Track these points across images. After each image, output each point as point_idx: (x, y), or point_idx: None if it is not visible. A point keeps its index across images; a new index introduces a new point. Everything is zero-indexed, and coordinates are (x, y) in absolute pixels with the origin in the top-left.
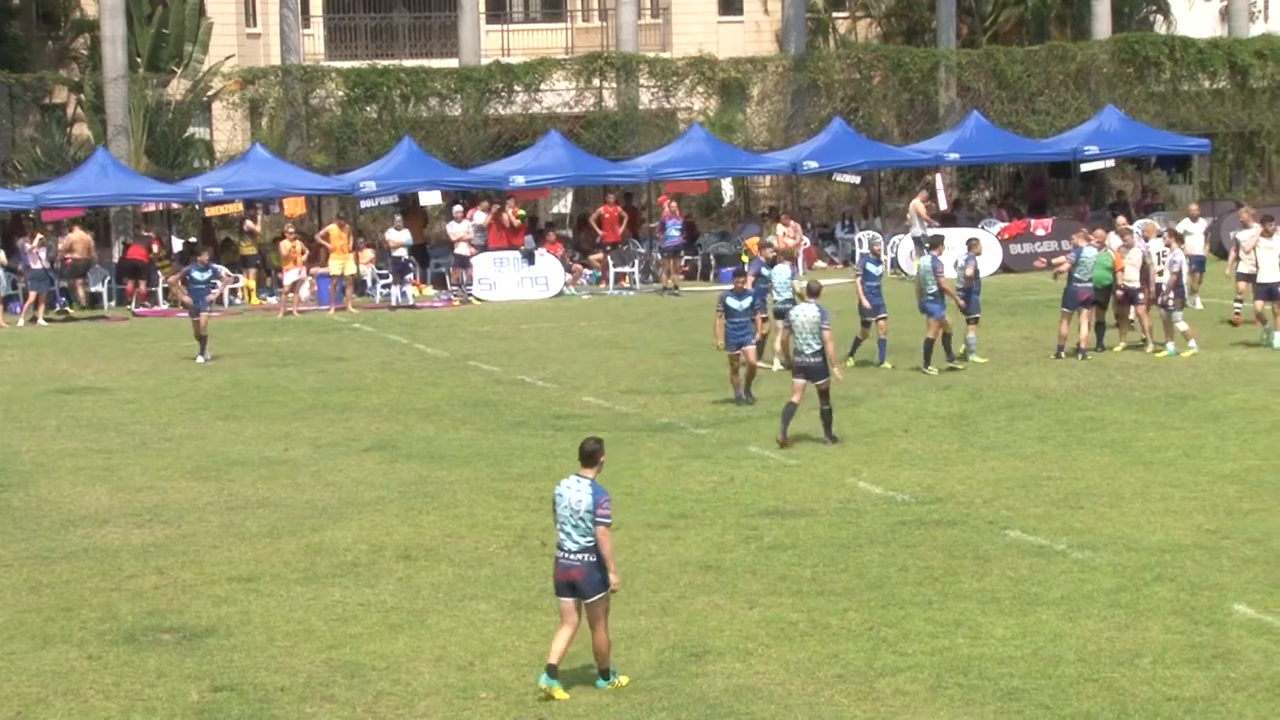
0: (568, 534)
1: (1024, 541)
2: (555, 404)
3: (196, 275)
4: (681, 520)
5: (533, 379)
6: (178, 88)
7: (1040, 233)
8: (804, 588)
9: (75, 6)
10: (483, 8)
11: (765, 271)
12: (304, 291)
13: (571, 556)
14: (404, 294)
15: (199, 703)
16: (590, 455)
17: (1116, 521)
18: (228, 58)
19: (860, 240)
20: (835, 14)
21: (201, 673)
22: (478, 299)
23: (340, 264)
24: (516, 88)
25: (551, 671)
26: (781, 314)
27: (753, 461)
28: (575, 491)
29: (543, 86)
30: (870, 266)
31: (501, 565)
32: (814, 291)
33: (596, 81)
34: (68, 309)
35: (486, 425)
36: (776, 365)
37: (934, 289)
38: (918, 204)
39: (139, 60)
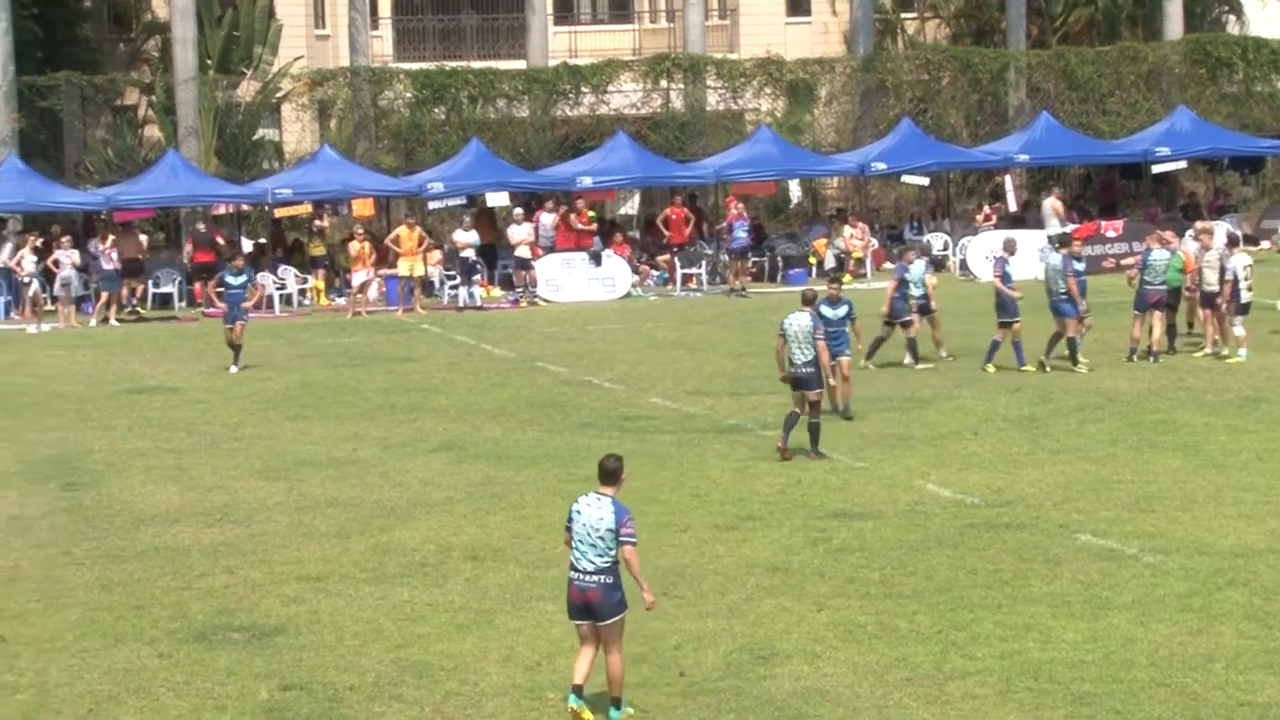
0: (583, 554)
1: (1095, 545)
2: (622, 405)
3: (230, 280)
4: (749, 522)
5: (600, 380)
6: (247, 89)
7: (1111, 234)
8: (872, 590)
9: (146, 9)
10: (550, 9)
11: (907, 275)
12: (372, 292)
13: (587, 578)
14: (471, 295)
15: (269, 701)
16: (611, 473)
17: (1189, 525)
18: (297, 59)
19: (928, 241)
20: (904, 15)
21: (271, 671)
22: (543, 300)
23: (409, 265)
24: (584, 89)
25: (578, 691)
26: (923, 310)
27: (820, 463)
28: (595, 510)
29: (610, 88)
30: (1009, 268)
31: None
32: (808, 300)
33: (664, 83)
34: (139, 309)
35: (554, 426)
36: (936, 358)
37: (1064, 288)
38: (1055, 202)
39: (209, 62)
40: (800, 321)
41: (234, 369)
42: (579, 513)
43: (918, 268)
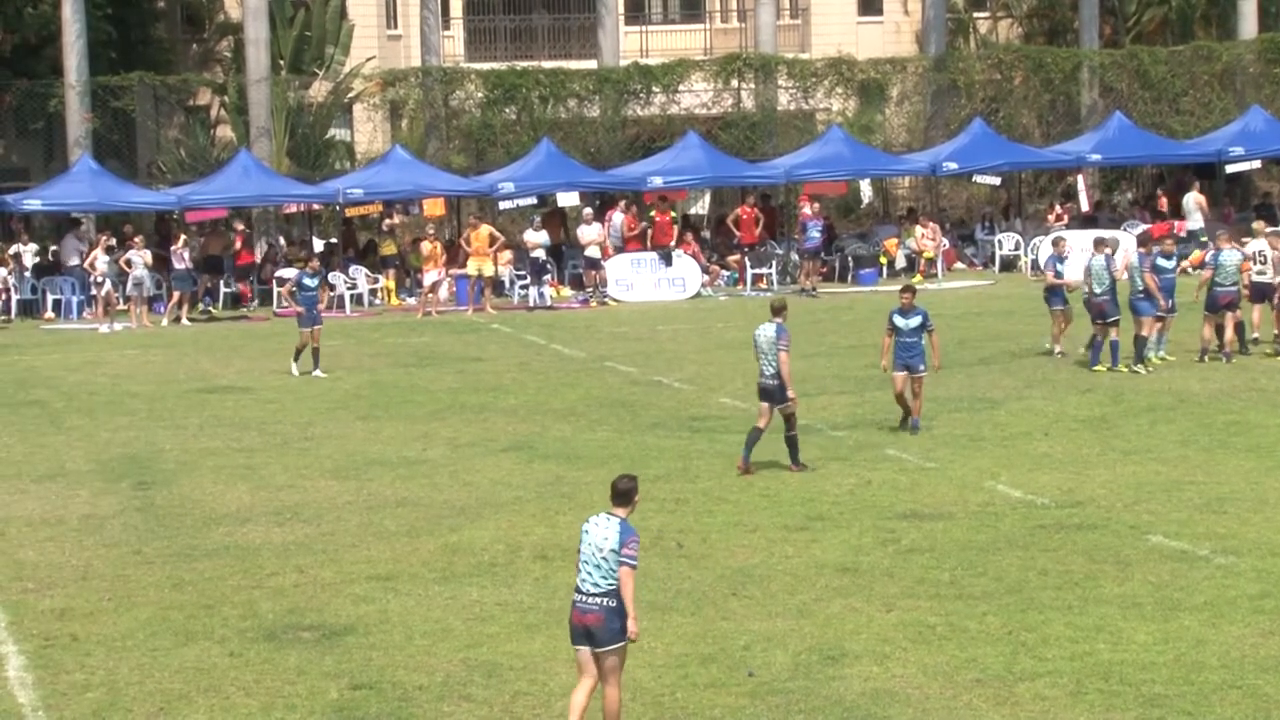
0: (588, 575)
1: (1166, 546)
2: (692, 405)
3: (308, 283)
4: (818, 522)
5: (669, 380)
6: (319, 89)
7: (1183, 235)
8: (942, 591)
9: (219, 9)
10: (622, 9)
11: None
12: (443, 292)
13: (589, 600)
14: (541, 295)
15: (338, 700)
16: (624, 494)
17: (1261, 526)
18: (368, 59)
19: (999, 241)
20: (976, 14)
21: (341, 671)
22: (613, 300)
23: (477, 265)
24: (655, 89)
25: None
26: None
27: (890, 464)
28: (602, 529)
29: (681, 88)
30: (1162, 261)
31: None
32: (776, 310)
33: (735, 82)
34: (211, 309)
35: (623, 426)
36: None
37: (1142, 285)
38: (1197, 196)
39: (281, 62)
40: (767, 332)
41: (317, 372)
42: (586, 532)
43: (1099, 262)
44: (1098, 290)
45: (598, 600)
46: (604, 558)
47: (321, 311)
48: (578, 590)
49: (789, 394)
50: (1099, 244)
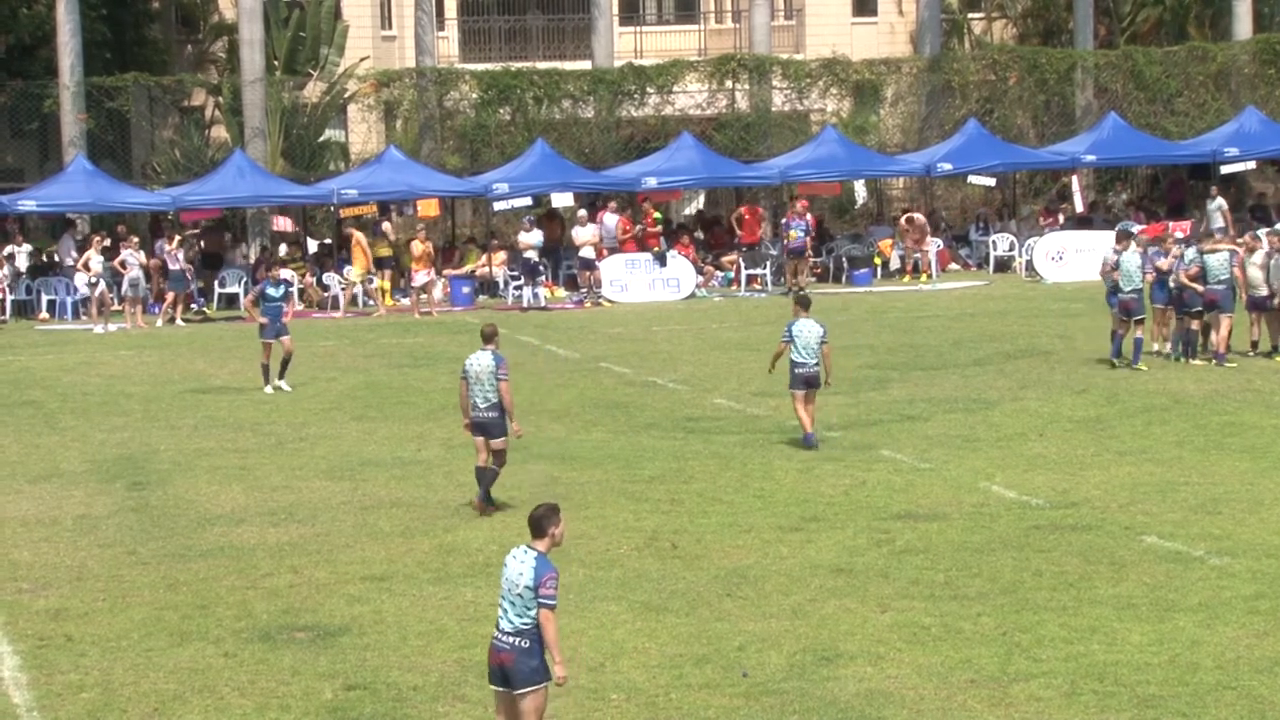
0: (504, 612)
1: (1161, 547)
2: (686, 406)
3: (271, 292)
4: (813, 523)
5: (664, 381)
6: (314, 90)
7: (1179, 235)
8: (936, 592)
9: (214, 10)
10: (616, 10)
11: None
12: (436, 293)
13: (503, 639)
14: (536, 295)
15: (333, 701)
16: (537, 523)
17: (1256, 527)
18: (363, 60)
19: (994, 242)
20: (970, 15)
21: (335, 671)
22: (608, 301)
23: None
24: (649, 89)
25: None
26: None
27: (885, 465)
28: (516, 565)
29: (675, 88)
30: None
31: (632, 567)
32: (487, 338)
33: (729, 83)
34: (205, 310)
35: (618, 427)
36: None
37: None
38: None
39: (276, 63)
40: (482, 361)
41: (274, 387)
42: (505, 566)
43: (1132, 260)
44: (1126, 288)
45: (510, 640)
46: (519, 595)
47: (286, 323)
48: (495, 626)
49: (513, 427)
50: (1125, 238)
